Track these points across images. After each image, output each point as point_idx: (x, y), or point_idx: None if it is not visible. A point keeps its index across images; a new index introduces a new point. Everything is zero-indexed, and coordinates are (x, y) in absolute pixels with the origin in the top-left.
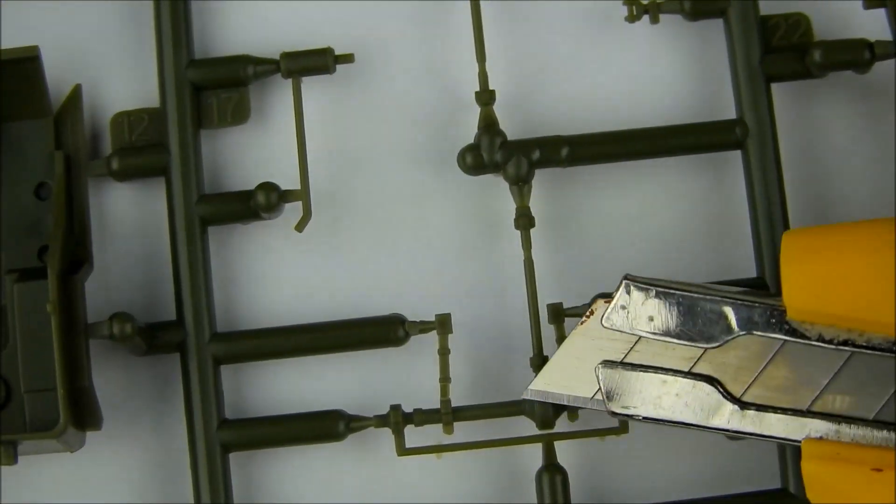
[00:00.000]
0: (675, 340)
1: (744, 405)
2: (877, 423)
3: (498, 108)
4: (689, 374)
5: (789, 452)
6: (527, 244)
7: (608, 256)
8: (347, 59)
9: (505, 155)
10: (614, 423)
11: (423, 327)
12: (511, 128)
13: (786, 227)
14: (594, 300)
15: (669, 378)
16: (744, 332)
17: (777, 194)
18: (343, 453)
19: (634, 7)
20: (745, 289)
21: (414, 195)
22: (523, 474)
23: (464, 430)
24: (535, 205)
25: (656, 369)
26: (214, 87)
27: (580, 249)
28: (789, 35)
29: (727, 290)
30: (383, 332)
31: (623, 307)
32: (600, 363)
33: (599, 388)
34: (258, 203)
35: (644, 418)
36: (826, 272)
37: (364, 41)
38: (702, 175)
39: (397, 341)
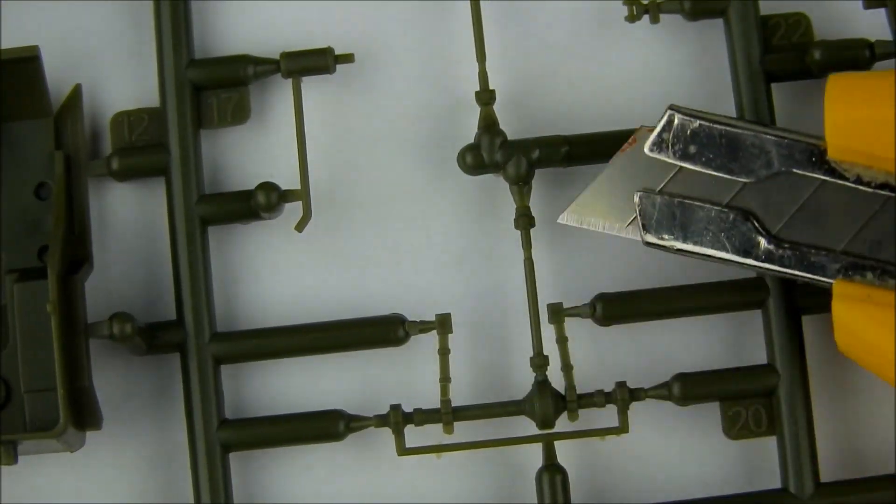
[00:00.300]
0: (716, 172)
1: (779, 242)
2: None
3: (498, 108)
4: (727, 207)
5: (790, 452)
6: (527, 244)
7: (608, 256)
8: (347, 59)
9: (505, 155)
10: (615, 422)
11: (423, 327)
12: (511, 127)
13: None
14: (639, 129)
15: (707, 209)
16: (784, 169)
17: None
18: (343, 453)
19: (634, 7)
20: (788, 129)
21: (414, 195)
22: (523, 474)
23: (464, 430)
24: (536, 205)
25: (694, 199)
26: (214, 87)
27: (580, 249)
28: (789, 35)
29: (771, 126)
30: (383, 331)
31: (665, 136)
32: (639, 191)
33: (636, 216)
34: (258, 203)
35: (678, 250)
36: (868, 113)
37: (364, 41)
38: None
39: (397, 341)
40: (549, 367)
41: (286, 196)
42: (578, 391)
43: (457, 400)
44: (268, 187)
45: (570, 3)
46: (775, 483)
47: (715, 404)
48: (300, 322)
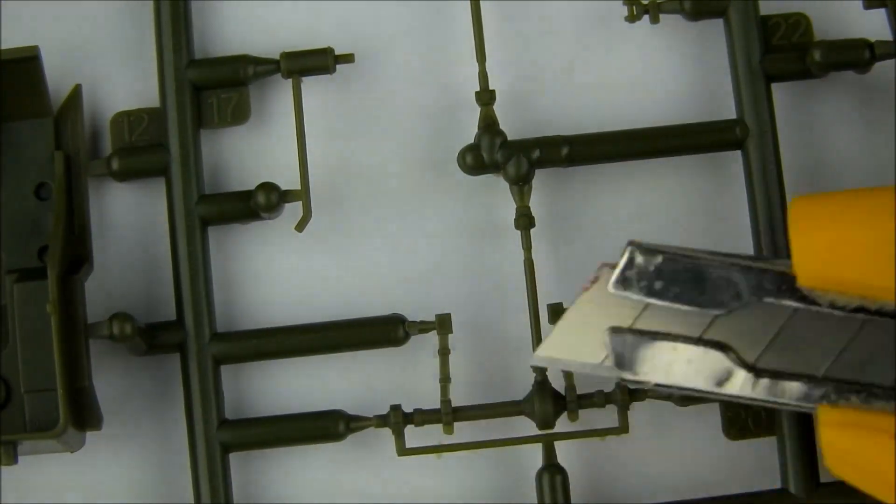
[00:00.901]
0: (685, 307)
1: (758, 372)
2: (893, 390)
3: (498, 108)
4: (701, 341)
5: (790, 452)
6: (527, 244)
7: (608, 256)
8: (347, 59)
9: (505, 155)
10: (615, 422)
11: (423, 327)
12: (511, 128)
13: (785, 227)
14: (600, 267)
15: (680, 345)
16: (754, 299)
17: (777, 194)
18: (343, 453)
19: (634, 7)
20: (755, 255)
21: (414, 195)
22: (523, 474)
23: (464, 430)
24: (536, 205)
25: (666, 336)
26: (214, 87)
27: (580, 249)
28: (789, 35)
29: (736, 256)
30: (383, 332)
31: (628, 274)
32: (608, 329)
33: (608, 355)
34: (258, 203)
35: (656, 385)
36: (836, 238)
37: (364, 41)
38: (702, 175)
39: (397, 341)
40: (548, 368)
41: (286, 196)
42: (578, 391)
43: (457, 400)
44: (268, 187)
45: (570, 4)
46: (775, 483)
47: (715, 405)
48: (300, 322)
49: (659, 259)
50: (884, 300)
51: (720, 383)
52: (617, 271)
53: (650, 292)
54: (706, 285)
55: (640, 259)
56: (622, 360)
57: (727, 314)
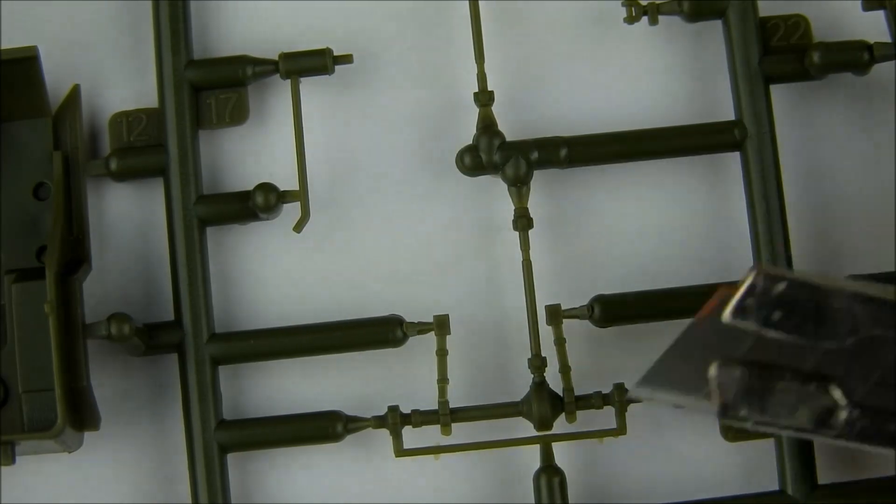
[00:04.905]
0: (798, 339)
1: (862, 409)
2: None
3: (497, 109)
4: (809, 376)
5: (787, 454)
6: (525, 245)
7: (607, 257)
8: (346, 59)
9: (503, 156)
10: (612, 424)
11: (422, 328)
12: (510, 129)
13: (784, 228)
14: (719, 289)
15: (788, 380)
16: (869, 333)
17: (776, 196)
18: (341, 454)
19: (633, 8)
20: (878, 283)
21: (412, 196)
22: (521, 475)
23: (462, 431)
24: (534, 206)
25: (775, 369)
26: (213, 88)
27: (579, 250)
28: (788, 36)
29: (857, 280)
30: (381, 332)
31: (748, 301)
32: (717, 360)
33: (713, 391)
34: (256, 203)
35: (756, 423)
36: None
37: (363, 41)
38: (700, 176)
39: (395, 342)
40: (547, 369)
41: (284, 196)
42: (576, 393)
43: (455, 401)
44: (266, 188)
45: (570, 4)
46: (773, 485)
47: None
48: (298, 323)
49: (782, 286)
50: None
51: (820, 423)
52: (737, 298)
53: (767, 323)
54: (826, 317)
55: (762, 285)
56: (727, 398)
57: (839, 347)
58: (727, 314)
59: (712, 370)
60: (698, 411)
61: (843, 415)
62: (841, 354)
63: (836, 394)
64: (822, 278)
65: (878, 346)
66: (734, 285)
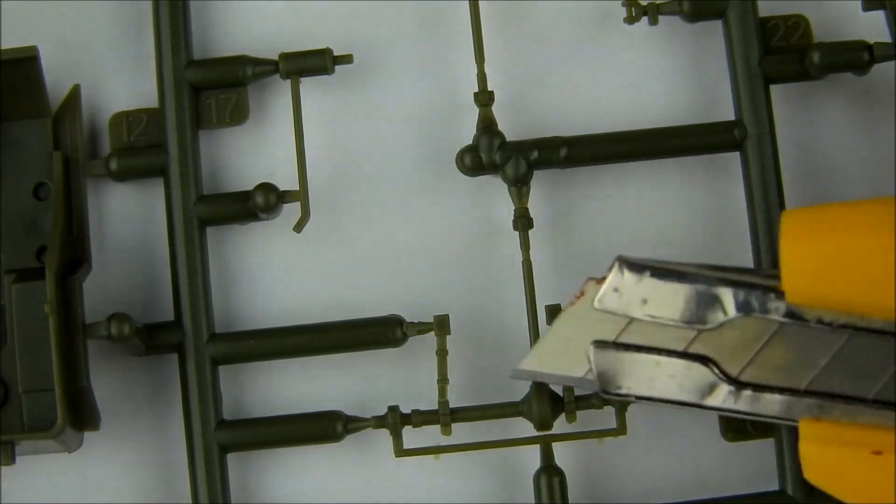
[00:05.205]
0: (670, 322)
1: (740, 385)
2: (875, 403)
3: (496, 109)
4: (684, 355)
5: (787, 454)
6: (525, 245)
7: (607, 257)
8: (346, 59)
9: (503, 156)
10: (612, 424)
11: (422, 328)
12: (510, 129)
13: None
14: (585, 282)
15: (663, 359)
16: (740, 314)
17: (776, 196)
18: (341, 454)
19: (633, 8)
20: (742, 268)
21: (412, 196)
22: (521, 475)
23: (462, 431)
24: (534, 206)
25: (650, 350)
26: (213, 88)
27: (579, 251)
28: (788, 36)
29: (723, 270)
30: (381, 332)
31: (616, 289)
32: (592, 343)
33: (590, 369)
34: (256, 204)
35: (637, 398)
36: (825, 254)
37: (363, 42)
38: (700, 176)
39: (395, 342)
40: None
41: (284, 197)
42: (576, 392)
43: (455, 401)
44: (266, 188)
45: (570, 4)
46: (773, 485)
47: None
48: (298, 323)
49: (646, 274)
50: (872, 316)
51: (703, 396)
52: (603, 287)
53: (636, 308)
54: (693, 301)
55: (627, 274)
56: (604, 375)
57: (711, 329)
58: (596, 301)
59: (588, 352)
60: (582, 388)
61: (723, 388)
62: (714, 334)
63: (714, 371)
64: (685, 266)
65: (752, 327)
66: (601, 280)
